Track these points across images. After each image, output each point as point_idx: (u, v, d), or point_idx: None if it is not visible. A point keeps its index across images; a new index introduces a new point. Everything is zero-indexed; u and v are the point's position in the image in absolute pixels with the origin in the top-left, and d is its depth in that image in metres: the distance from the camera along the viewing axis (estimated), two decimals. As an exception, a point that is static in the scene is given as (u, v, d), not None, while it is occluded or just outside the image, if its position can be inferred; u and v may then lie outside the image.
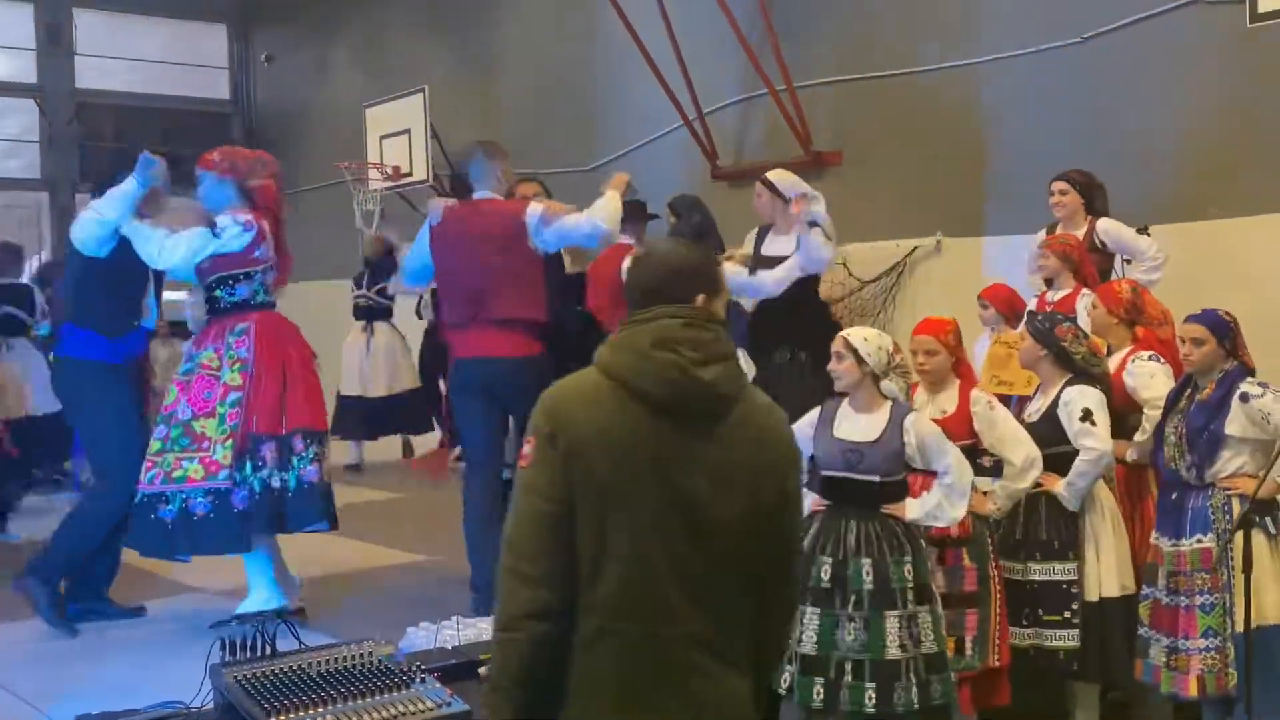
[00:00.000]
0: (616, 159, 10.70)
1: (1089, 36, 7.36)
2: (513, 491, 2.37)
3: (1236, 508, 4.31)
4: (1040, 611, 4.65)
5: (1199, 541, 4.39)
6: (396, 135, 11.74)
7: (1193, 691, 4.36)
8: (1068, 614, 4.63)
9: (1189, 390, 4.56)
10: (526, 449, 2.35)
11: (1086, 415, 4.63)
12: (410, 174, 11.69)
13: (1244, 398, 4.30)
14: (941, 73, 8.23)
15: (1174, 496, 4.52)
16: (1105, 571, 4.73)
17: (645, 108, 10.18)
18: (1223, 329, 4.46)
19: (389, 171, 11.72)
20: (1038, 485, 4.69)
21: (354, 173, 11.74)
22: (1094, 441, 4.60)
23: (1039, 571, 4.68)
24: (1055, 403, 4.75)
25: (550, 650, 2.25)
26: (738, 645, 2.34)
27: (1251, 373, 4.46)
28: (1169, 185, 6.97)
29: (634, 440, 2.28)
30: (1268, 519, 4.26)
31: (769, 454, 2.41)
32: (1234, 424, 4.32)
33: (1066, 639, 4.61)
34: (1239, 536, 4.18)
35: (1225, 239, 6.72)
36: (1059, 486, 4.67)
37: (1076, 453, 4.67)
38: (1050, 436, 4.70)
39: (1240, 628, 4.18)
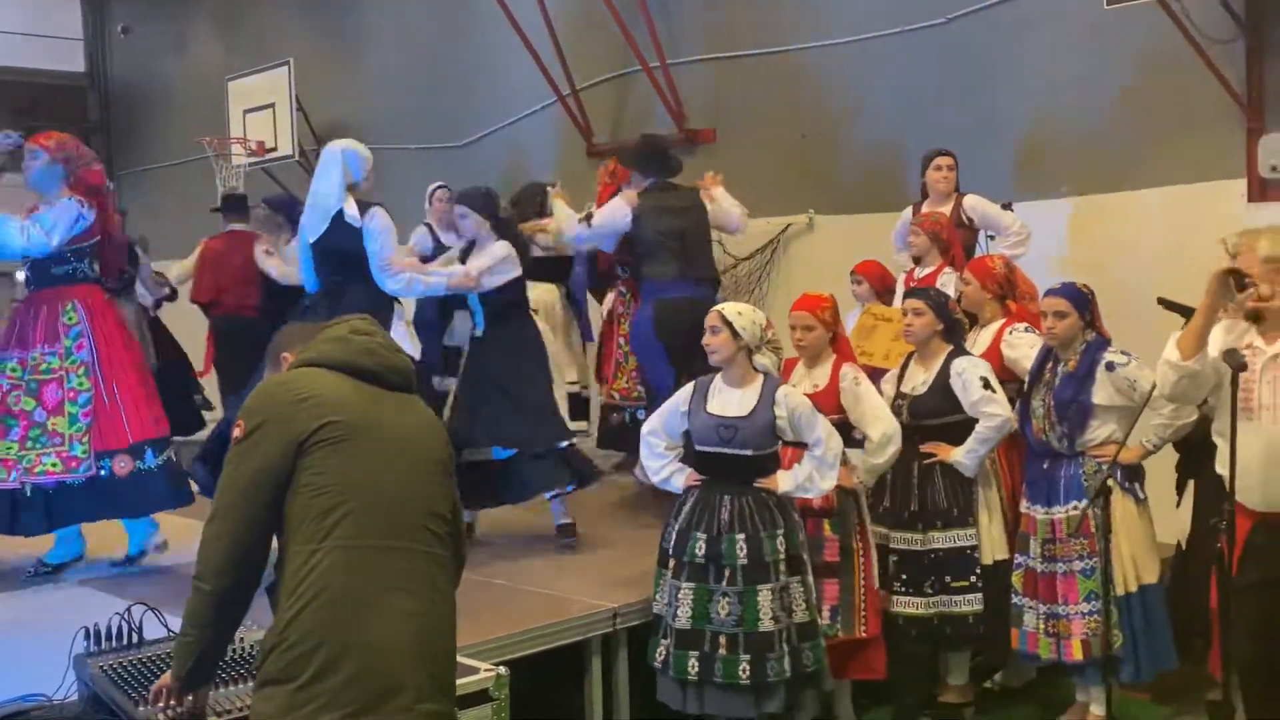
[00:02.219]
0: (489, 135, 10.59)
1: (954, 17, 7.51)
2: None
3: (1107, 474, 4.48)
4: (948, 579, 4.78)
5: (1074, 509, 4.54)
6: (260, 109, 11.43)
7: (1077, 655, 4.51)
8: (973, 578, 4.77)
9: (1050, 363, 4.70)
10: None
11: (986, 383, 4.75)
12: (275, 149, 11.40)
13: (1110, 366, 4.46)
14: (813, 51, 8.31)
15: (1045, 466, 4.67)
16: (996, 536, 4.89)
17: (519, 84, 10.08)
18: (1082, 301, 4.62)
19: (253, 147, 11.41)
20: (931, 455, 4.80)
21: (216, 148, 11.40)
22: (996, 408, 4.73)
23: (942, 539, 4.80)
24: (944, 374, 4.85)
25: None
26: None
27: (1109, 343, 4.62)
28: (1030, 163, 7.17)
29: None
30: (1135, 484, 4.43)
31: (433, 418, 2.95)
32: (1101, 393, 4.48)
33: (973, 603, 4.75)
34: (1118, 501, 4.36)
35: (1082, 215, 6.94)
36: (956, 454, 4.78)
37: (963, 422, 4.79)
38: (940, 407, 4.82)
39: (1119, 590, 4.36)
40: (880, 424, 4.69)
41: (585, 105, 9.69)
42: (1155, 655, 4.53)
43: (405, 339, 5.39)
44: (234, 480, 2.66)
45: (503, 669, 3.52)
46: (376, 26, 11.68)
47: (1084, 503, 4.50)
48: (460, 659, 2.97)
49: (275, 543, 2.70)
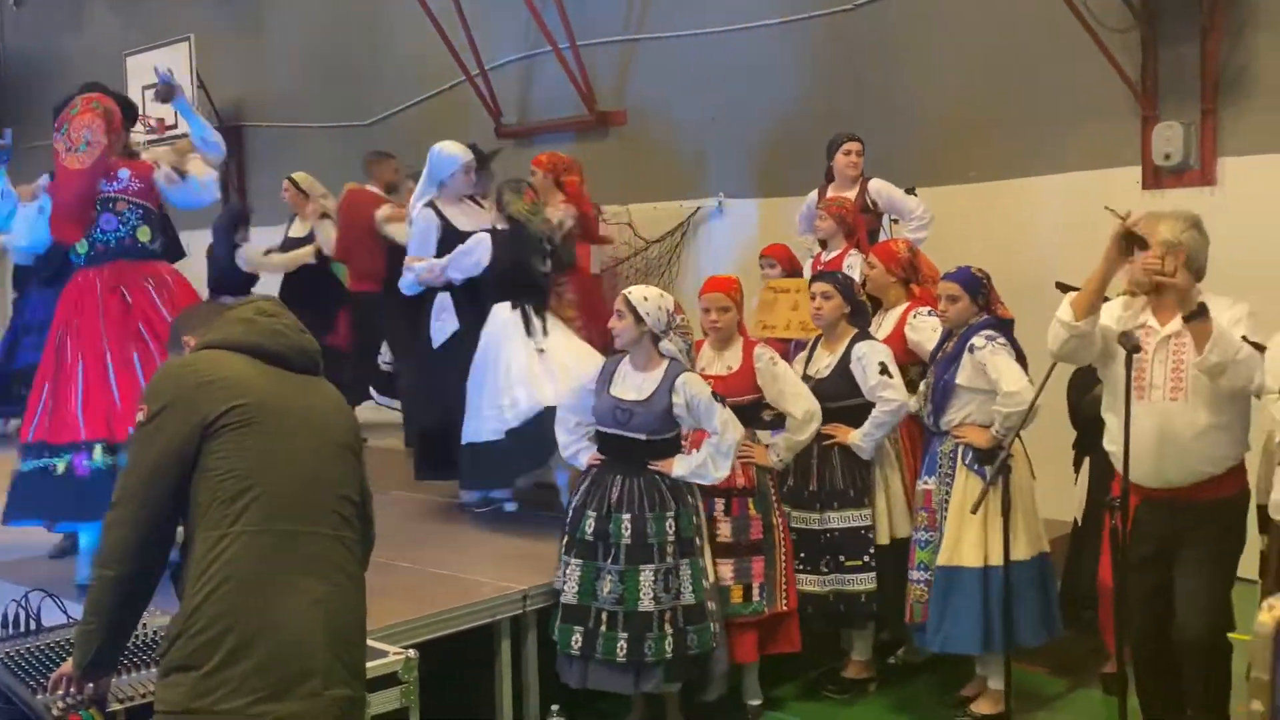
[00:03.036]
0: (395, 114, 10.47)
1: (860, 4, 7.60)
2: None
3: (961, 454, 4.62)
4: (842, 558, 4.89)
5: (925, 483, 4.73)
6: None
7: (905, 618, 4.75)
8: (866, 558, 4.87)
9: (944, 344, 4.82)
10: None
11: (884, 368, 4.85)
12: (175, 127, 11.12)
13: (970, 349, 4.58)
14: (722, 34, 8.35)
15: (926, 443, 4.84)
16: (897, 515, 5.00)
17: (426, 63, 9.98)
18: (975, 285, 4.72)
19: (153, 124, 11.10)
20: (830, 437, 4.89)
21: (115, 125, 11.07)
22: (893, 393, 4.83)
23: (838, 520, 4.91)
24: (846, 358, 4.93)
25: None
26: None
27: (1003, 324, 4.72)
28: (934, 148, 7.29)
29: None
30: (985, 466, 4.55)
31: (340, 400, 2.90)
32: (962, 374, 4.61)
33: (866, 582, 4.86)
34: (961, 480, 4.49)
35: (985, 200, 7.08)
36: (854, 437, 4.87)
37: (866, 405, 4.88)
38: (842, 390, 4.91)
39: (940, 561, 4.56)
40: (802, 401, 4.77)
41: (494, 86, 9.63)
42: (958, 628, 4.58)
43: None
44: (137, 465, 2.61)
45: (412, 652, 3.51)
46: (281, 2, 11.47)
47: (932, 479, 4.70)
48: (369, 642, 2.96)
49: (180, 527, 2.66)
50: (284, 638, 2.50)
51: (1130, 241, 3.77)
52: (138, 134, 11.07)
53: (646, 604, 4.29)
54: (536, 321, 5.66)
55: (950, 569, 4.54)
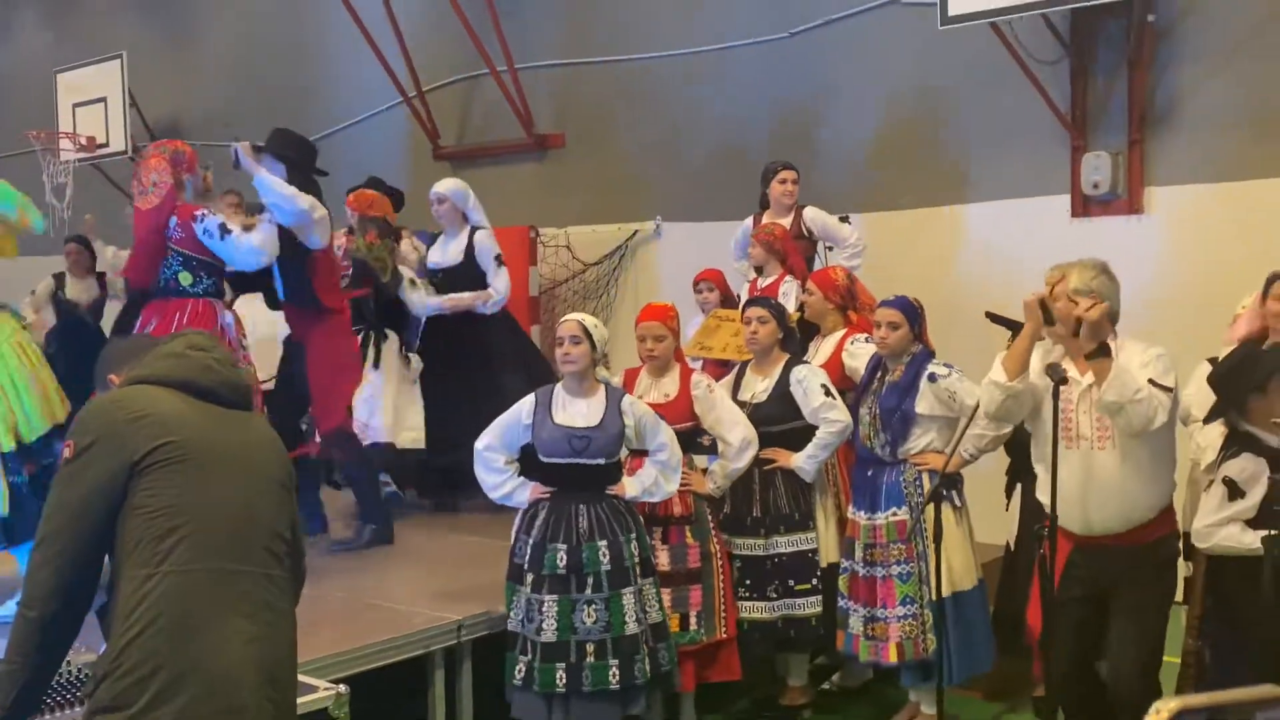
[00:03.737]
0: (331, 134, 10.38)
1: (796, 31, 7.67)
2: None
3: (927, 482, 4.64)
4: (791, 582, 4.87)
5: (894, 515, 4.69)
6: (91, 103, 10.98)
7: (892, 657, 4.65)
8: (814, 581, 4.88)
9: (880, 373, 4.85)
10: None
11: (827, 390, 4.86)
12: (107, 144, 10.97)
13: (932, 378, 4.62)
14: (660, 60, 8.39)
15: (869, 473, 4.82)
16: (830, 540, 5.01)
17: (362, 83, 9.93)
18: (913, 314, 4.77)
19: (83, 142, 10.95)
20: (771, 461, 4.90)
21: (44, 143, 10.90)
22: (837, 414, 4.84)
23: (784, 544, 4.89)
24: (784, 381, 4.95)
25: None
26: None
27: (934, 355, 4.78)
28: (868, 175, 7.37)
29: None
30: (953, 492, 4.60)
31: (273, 436, 2.84)
32: (923, 403, 4.64)
33: (814, 605, 4.86)
34: (930, 509, 4.49)
35: (917, 226, 7.17)
36: (797, 460, 4.88)
37: (805, 429, 4.89)
38: (781, 414, 4.92)
39: (934, 595, 4.50)
40: (738, 428, 4.76)
41: (432, 107, 9.60)
42: (970, 659, 4.69)
43: None
44: (63, 503, 2.54)
45: (343, 687, 3.45)
46: (215, 20, 11.36)
47: (903, 509, 4.66)
48: (299, 677, 2.91)
49: (107, 564, 2.60)
50: (213, 677, 2.46)
51: (1047, 310, 3.84)
52: (66, 151, 10.95)
53: (632, 627, 4.28)
54: (371, 352, 6.26)
55: (957, 595, 4.57)
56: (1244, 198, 6.06)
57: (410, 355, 6.68)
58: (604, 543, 4.32)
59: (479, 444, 4.58)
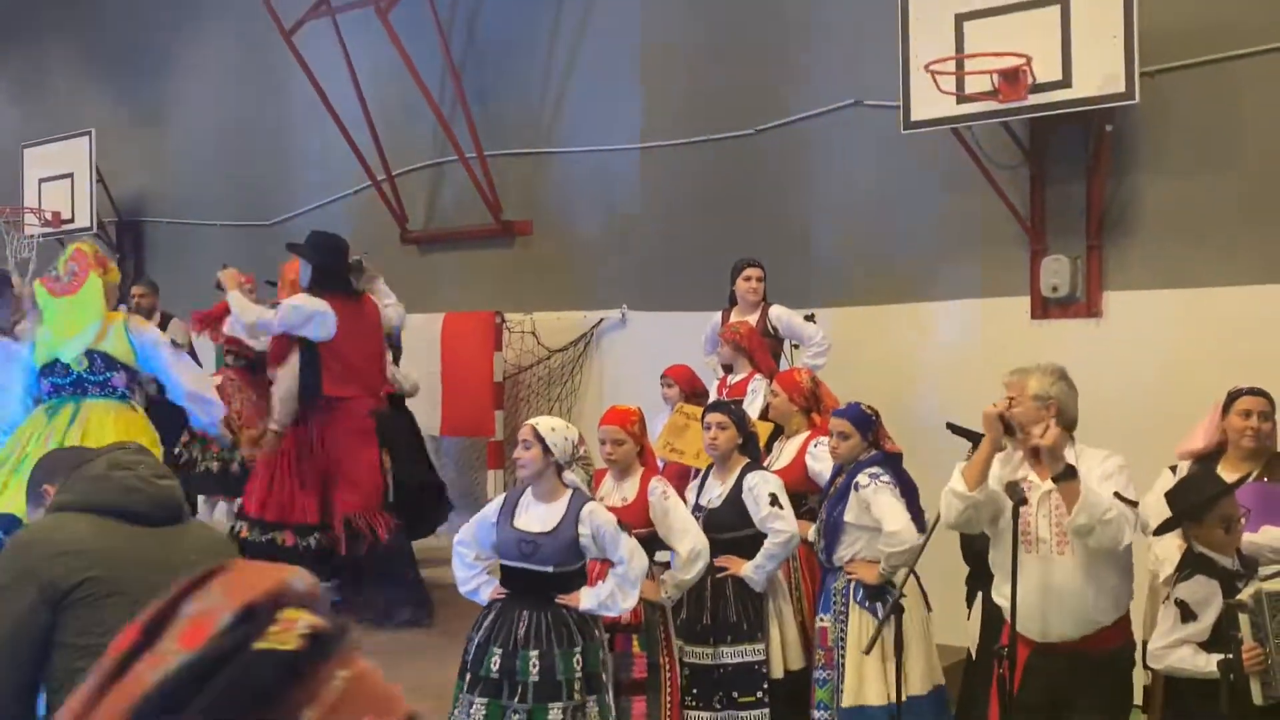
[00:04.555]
0: (300, 215, 10.41)
1: (761, 129, 7.79)
2: None
3: (853, 591, 4.68)
4: (735, 694, 4.83)
5: (820, 620, 4.76)
6: (58, 179, 10.97)
7: None
8: (760, 694, 4.84)
9: (836, 479, 4.90)
10: None
11: (774, 500, 4.86)
12: (72, 220, 10.95)
13: (855, 486, 4.67)
14: (627, 151, 8.49)
15: (824, 577, 4.88)
16: (790, 648, 5.00)
17: (332, 166, 9.97)
18: (865, 423, 4.81)
19: (48, 217, 10.92)
20: (722, 570, 4.88)
21: (8, 217, 10.87)
22: (783, 524, 4.84)
23: (730, 654, 4.86)
24: (737, 488, 4.96)
25: None
26: None
27: (890, 459, 4.80)
28: (831, 271, 7.45)
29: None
30: (877, 604, 4.60)
31: (219, 552, 2.68)
32: (850, 511, 4.69)
33: (760, 718, 4.82)
34: (854, 617, 4.53)
35: (880, 323, 7.24)
36: (746, 569, 4.86)
37: (758, 536, 4.89)
38: (733, 521, 4.91)
39: (844, 703, 4.53)
40: (688, 539, 4.74)
41: (400, 191, 9.65)
42: None
43: None
44: None
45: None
46: (185, 98, 11.40)
47: (828, 615, 4.74)
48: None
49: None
50: None
51: (1007, 423, 3.89)
52: (31, 225, 10.91)
53: None
54: None
55: (856, 709, 4.55)
56: (1199, 305, 6.17)
57: None
58: (535, 653, 4.27)
59: (456, 537, 4.64)
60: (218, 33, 11.00)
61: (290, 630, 1.04)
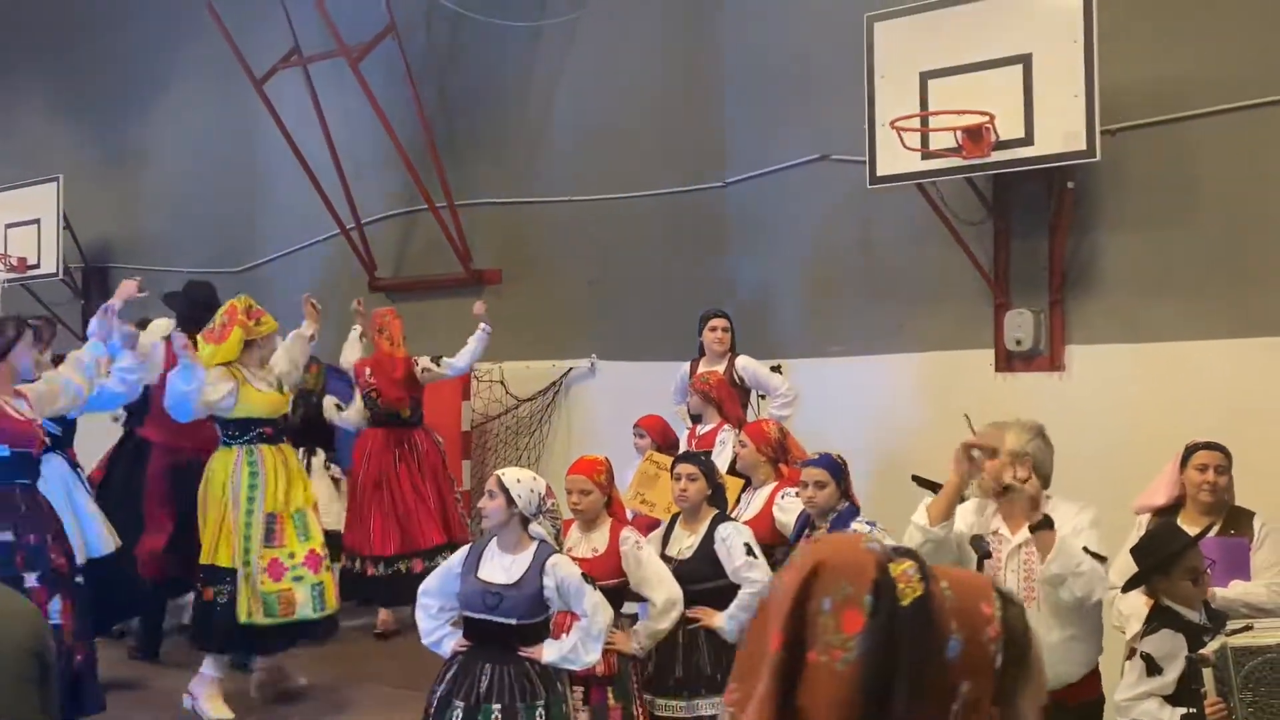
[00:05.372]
0: (269, 263, 10.41)
1: (731, 181, 7.88)
2: None
3: None
4: None
5: None
6: (24, 224, 10.90)
7: None
8: None
9: (808, 529, 4.89)
10: None
11: (749, 549, 4.84)
12: (38, 265, 10.88)
13: None
14: (597, 202, 8.55)
15: None
16: None
17: (302, 213, 9.97)
18: (839, 471, 4.83)
19: (13, 262, 10.85)
20: (695, 621, 4.86)
21: (-27, 262, 10.80)
22: (758, 574, 4.81)
23: (707, 707, 4.81)
24: (709, 539, 4.94)
25: None
26: None
27: (858, 511, 4.83)
28: (798, 324, 7.51)
29: None
30: None
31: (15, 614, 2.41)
32: None
33: None
34: None
35: (847, 375, 7.28)
36: (719, 620, 4.84)
37: (729, 587, 4.87)
38: (705, 572, 4.88)
39: None
40: (664, 589, 4.72)
41: (370, 239, 9.66)
42: None
43: None
44: None
45: None
46: (154, 145, 11.40)
47: None
48: None
49: None
50: None
51: (971, 451, 3.91)
52: (-2, 272, 10.83)
53: None
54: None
55: None
56: (1159, 359, 6.25)
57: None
58: (498, 706, 4.23)
59: (421, 588, 4.58)
60: (189, 80, 11.02)
61: (908, 580, 1.26)
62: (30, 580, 4.79)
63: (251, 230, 10.56)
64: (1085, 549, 3.81)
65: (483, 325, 7.76)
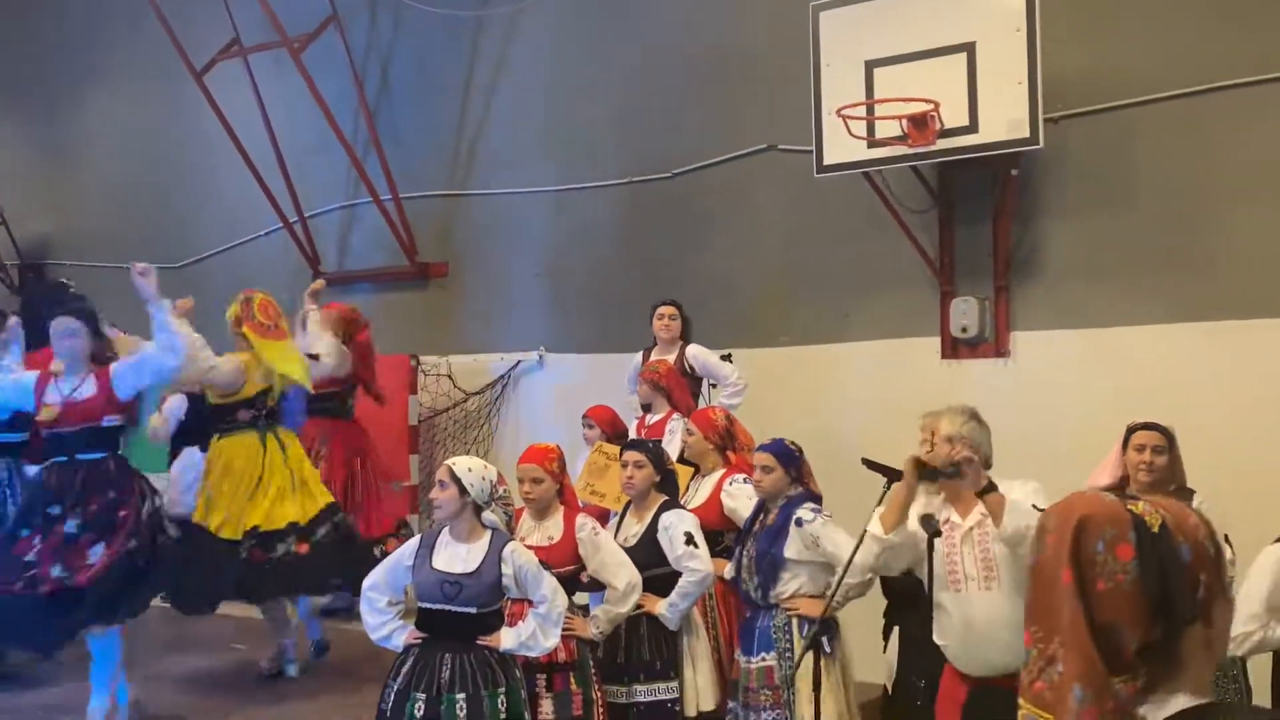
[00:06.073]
0: (211, 257, 10.27)
1: (678, 172, 7.88)
2: None
3: (796, 628, 4.66)
4: None
5: (763, 660, 4.70)
6: (-42, 220, 10.70)
7: None
8: None
9: (760, 515, 4.91)
10: None
11: (690, 539, 4.86)
12: None
13: (798, 522, 4.68)
14: (544, 194, 8.53)
15: (748, 616, 4.84)
16: (703, 687, 4.97)
17: (244, 207, 9.85)
18: (788, 457, 4.83)
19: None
20: (638, 607, 4.86)
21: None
22: (698, 563, 4.83)
23: (644, 693, 4.83)
24: (653, 526, 4.96)
25: None
26: None
27: (815, 497, 4.84)
28: (749, 312, 7.53)
29: None
30: (824, 639, 4.62)
31: None
32: (791, 547, 4.68)
33: None
34: (809, 656, 4.51)
35: (796, 363, 7.33)
36: (660, 608, 4.85)
37: (673, 574, 4.88)
38: (649, 559, 4.89)
39: None
40: (624, 572, 4.74)
41: (313, 232, 9.56)
42: None
43: None
44: None
45: None
46: (94, 139, 11.21)
47: (771, 654, 4.68)
48: None
49: None
50: None
51: (925, 467, 3.95)
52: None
53: None
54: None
55: None
56: (1101, 344, 6.35)
57: None
58: (462, 695, 4.22)
59: (365, 583, 4.52)
60: (127, 72, 10.84)
61: (1149, 514, 1.72)
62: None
63: (192, 225, 10.41)
64: (1035, 507, 3.84)
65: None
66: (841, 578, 4.38)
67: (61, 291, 7.18)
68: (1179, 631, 1.71)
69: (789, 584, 4.69)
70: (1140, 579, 1.71)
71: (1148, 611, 1.71)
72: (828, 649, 4.59)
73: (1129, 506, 1.76)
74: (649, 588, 4.90)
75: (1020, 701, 1.83)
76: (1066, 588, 1.72)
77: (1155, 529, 1.72)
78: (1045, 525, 1.77)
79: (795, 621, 4.65)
